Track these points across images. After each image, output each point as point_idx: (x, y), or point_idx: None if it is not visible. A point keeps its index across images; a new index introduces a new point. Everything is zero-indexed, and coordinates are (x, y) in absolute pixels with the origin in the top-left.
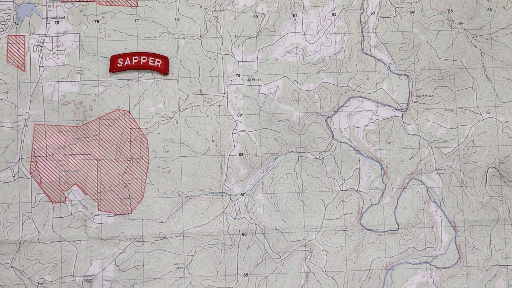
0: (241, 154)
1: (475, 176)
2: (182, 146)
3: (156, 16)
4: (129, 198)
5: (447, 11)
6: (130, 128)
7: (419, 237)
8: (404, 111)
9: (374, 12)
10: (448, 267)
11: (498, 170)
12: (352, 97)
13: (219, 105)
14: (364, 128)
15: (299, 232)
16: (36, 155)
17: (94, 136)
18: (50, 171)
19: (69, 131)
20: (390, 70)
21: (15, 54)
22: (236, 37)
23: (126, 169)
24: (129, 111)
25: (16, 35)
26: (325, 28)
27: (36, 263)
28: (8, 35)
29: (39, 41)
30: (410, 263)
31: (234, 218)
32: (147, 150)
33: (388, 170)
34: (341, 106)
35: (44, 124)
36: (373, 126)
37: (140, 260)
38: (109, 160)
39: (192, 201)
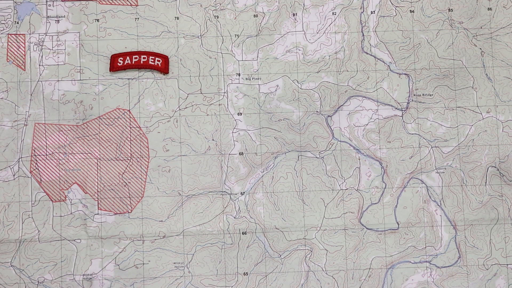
0: (241, 153)
1: (475, 175)
2: (182, 145)
3: (156, 15)
4: (129, 197)
5: (447, 10)
6: (130, 127)
7: (419, 236)
8: (404, 110)
9: (374, 11)
10: (448, 266)
11: (498, 169)
12: (352, 96)
13: (219, 104)
14: (364, 127)
15: (299, 231)
16: (36, 154)
17: (94, 135)
18: (50, 170)
19: (69, 130)
20: (390, 69)
21: (15, 53)
22: (236, 36)
23: (126, 168)
24: (129, 110)
25: (16, 34)
26: (325, 27)
27: (36, 262)
28: (8, 34)
29: (39, 40)
30: (410, 262)
31: (234, 217)
32: (147, 149)
33: (388, 169)
34: (341, 105)
35: (44, 123)
36: (373, 125)
37: (140, 259)
38: (109, 159)
39: (192, 200)
